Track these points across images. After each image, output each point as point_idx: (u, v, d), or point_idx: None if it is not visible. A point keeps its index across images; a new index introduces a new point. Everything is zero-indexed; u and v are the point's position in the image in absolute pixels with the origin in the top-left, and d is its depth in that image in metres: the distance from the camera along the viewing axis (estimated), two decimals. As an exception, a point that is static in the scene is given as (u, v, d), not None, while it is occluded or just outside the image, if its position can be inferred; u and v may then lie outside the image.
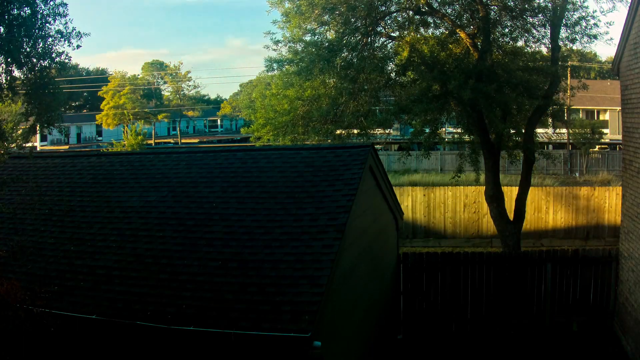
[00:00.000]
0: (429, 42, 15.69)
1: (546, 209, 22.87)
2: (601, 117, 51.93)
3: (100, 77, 74.61)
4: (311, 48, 14.52)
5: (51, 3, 8.41)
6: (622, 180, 13.63)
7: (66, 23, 8.57)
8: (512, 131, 16.11)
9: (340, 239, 7.81)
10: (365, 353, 10.15)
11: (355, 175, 9.08)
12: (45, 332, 7.21)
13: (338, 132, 15.11)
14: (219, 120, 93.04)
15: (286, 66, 15.99)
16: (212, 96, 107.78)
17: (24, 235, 8.83)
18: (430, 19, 15.60)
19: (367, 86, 15.23)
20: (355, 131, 16.06)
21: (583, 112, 51.17)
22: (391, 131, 15.25)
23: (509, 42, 15.44)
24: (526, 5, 14.26)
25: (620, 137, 20.29)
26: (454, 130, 20.42)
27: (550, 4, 14.34)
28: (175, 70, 72.20)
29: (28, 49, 8.26)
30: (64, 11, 8.51)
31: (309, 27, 14.95)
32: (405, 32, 15.71)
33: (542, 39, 15.09)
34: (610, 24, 27.65)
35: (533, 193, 21.85)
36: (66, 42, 8.52)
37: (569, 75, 30.36)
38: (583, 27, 14.30)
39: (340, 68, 14.18)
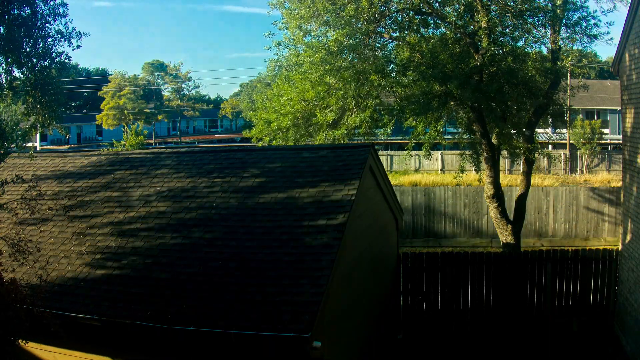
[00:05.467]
0: (429, 42, 15.67)
1: (546, 209, 22.88)
2: (601, 117, 51.90)
3: (101, 78, 74.60)
4: (312, 50, 14.50)
5: (51, 3, 8.43)
6: (622, 181, 13.63)
7: (66, 23, 8.60)
8: (512, 131, 16.11)
9: (340, 239, 7.81)
10: (365, 353, 10.15)
11: (355, 175, 9.08)
12: (45, 332, 7.20)
13: (339, 132, 15.10)
14: (219, 120, 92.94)
15: (286, 68, 15.97)
16: (212, 96, 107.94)
17: (24, 235, 8.81)
18: (430, 19, 15.59)
19: (368, 87, 15.20)
20: (356, 130, 16.03)
21: (583, 112, 51.11)
22: (389, 131, 15.20)
23: (509, 42, 15.43)
24: (526, 5, 14.25)
25: (620, 137, 20.27)
26: (454, 130, 20.40)
27: (550, 4, 14.35)
28: (176, 70, 72.19)
29: (28, 49, 8.26)
30: (64, 11, 8.53)
31: (309, 27, 14.93)
32: (406, 33, 15.69)
33: (542, 39, 15.10)
34: (610, 24, 27.76)
35: (533, 193, 21.86)
36: (66, 42, 8.55)
37: (569, 75, 30.36)
38: (583, 27, 14.28)
39: (342, 69, 14.16)
